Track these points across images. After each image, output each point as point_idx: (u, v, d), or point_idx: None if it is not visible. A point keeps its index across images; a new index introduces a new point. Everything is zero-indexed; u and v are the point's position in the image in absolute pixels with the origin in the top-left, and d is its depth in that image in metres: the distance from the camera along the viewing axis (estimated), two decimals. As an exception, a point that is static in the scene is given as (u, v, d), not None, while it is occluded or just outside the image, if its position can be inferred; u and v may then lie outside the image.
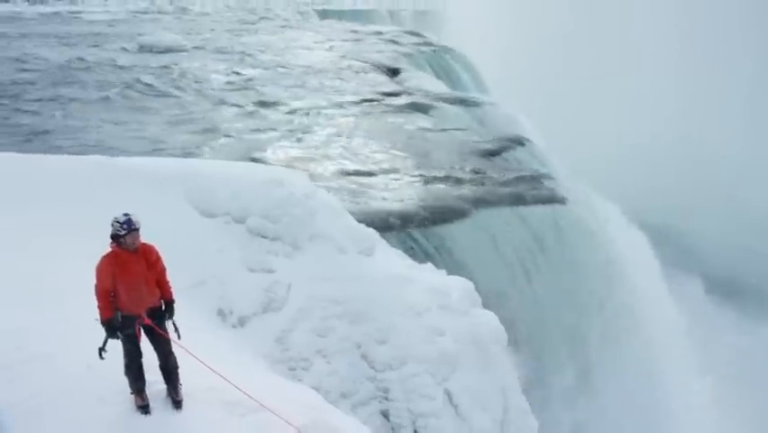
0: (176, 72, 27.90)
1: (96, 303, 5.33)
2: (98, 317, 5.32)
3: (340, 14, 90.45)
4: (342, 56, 36.41)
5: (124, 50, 34.88)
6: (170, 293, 5.59)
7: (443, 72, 38.42)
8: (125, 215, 5.22)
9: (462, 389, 9.63)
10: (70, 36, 41.69)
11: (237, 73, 28.14)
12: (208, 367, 5.64)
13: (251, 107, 22.05)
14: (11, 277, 7.22)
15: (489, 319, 10.25)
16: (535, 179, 15.14)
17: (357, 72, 31.14)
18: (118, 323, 5.29)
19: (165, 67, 29.19)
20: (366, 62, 34.05)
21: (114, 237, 5.23)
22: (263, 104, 22.59)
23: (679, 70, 44.86)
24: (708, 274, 26.72)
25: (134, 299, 5.30)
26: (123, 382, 5.54)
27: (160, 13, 70.48)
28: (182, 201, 9.22)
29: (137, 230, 5.28)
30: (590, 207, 15.06)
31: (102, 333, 5.46)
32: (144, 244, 5.42)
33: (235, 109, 21.77)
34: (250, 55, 35.07)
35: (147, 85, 24.80)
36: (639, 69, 45.60)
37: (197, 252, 8.67)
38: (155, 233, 7.05)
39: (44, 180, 9.07)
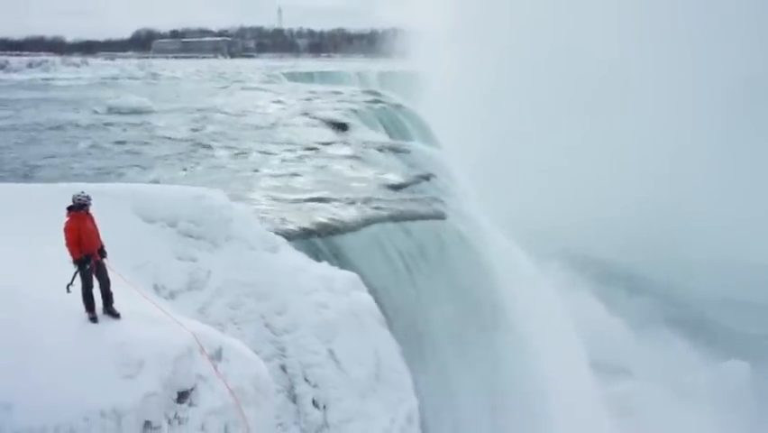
0: (139, 129, 31.48)
1: (67, 251, 8.62)
2: (71, 259, 8.58)
3: (309, 77, 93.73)
4: (296, 113, 40.07)
5: (94, 111, 38.44)
6: (101, 241, 8.91)
7: (392, 126, 42.01)
8: (83, 192, 8.60)
9: (342, 348, 12.79)
10: (45, 101, 45.27)
11: (194, 129, 31.70)
12: (137, 290, 8.94)
13: (202, 154, 25.52)
14: (17, 259, 10.35)
15: (366, 299, 13.55)
16: (427, 202, 18.66)
17: (305, 127, 34.76)
18: (83, 259, 8.54)
19: (130, 124, 32.79)
20: (316, 118, 37.69)
21: (78, 206, 8.56)
22: (214, 151, 26.10)
23: (672, 131, 46.11)
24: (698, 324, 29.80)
25: (91, 242, 8.61)
26: (81, 305, 8.76)
27: (130, 78, 74.34)
28: (130, 212, 12.49)
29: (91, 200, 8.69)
30: (471, 223, 18.53)
31: (69, 277, 8.73)
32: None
33: (187, 155, 25.22)
34: (210, 113, 38.77)
35: (112, 140, 28.27)
36: (628, 131, 46.90)
37: (140, 246, 11.91)
38: (110, 233, 10.37)
39: (30, 198, 12.36)
